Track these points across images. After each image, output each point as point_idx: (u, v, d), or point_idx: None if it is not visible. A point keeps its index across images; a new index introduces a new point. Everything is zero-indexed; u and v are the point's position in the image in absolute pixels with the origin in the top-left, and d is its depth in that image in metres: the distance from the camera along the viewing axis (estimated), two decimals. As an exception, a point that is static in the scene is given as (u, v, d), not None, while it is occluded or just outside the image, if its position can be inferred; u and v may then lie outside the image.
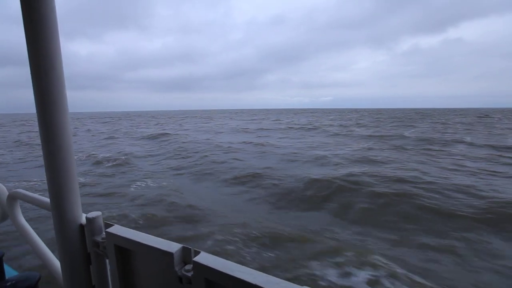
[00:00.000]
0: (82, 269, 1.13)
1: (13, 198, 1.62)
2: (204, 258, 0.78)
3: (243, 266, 0.72)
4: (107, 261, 1.11)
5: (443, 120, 48.67)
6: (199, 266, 0.77)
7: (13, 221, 1.63)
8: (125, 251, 1.01)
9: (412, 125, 36.42)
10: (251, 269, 0.70)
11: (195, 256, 0.80)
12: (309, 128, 33.40)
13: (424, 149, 16.38)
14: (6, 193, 1.67)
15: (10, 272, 1.87)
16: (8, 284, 1.46)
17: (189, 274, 0.80)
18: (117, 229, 1.01)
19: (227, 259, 0.78)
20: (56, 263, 1.45)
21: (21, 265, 4.78)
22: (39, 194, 1.42)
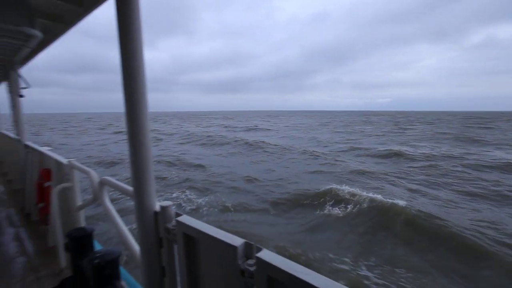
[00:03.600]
0: (154, 250, 1.28)
1: (102, 184, 1.93)
2: (267, 255, 0.80)
3: (307, 268, 0.72)
4: (175, 246, 1.23)
5: None
6: (262, 262, 0.79)
7: (102, 203, 1.94)
8: (192, 239, 1.10)
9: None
10: (316, 273, 0.69)
11: (257, 252, 0.83)
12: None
13: None
14: (98, 179, 2.00)
15: (96, 246, 2.22)
16: (96, 255, 1.75)
17: (252, 269, 0.84)
18: (186, 219, 1.12)
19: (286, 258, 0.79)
20: (133, 242, 1.67)
21: (104, 241, 5.66)
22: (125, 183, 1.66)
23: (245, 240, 0.90)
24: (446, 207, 8.28)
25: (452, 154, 17.25)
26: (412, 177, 12.07)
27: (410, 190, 10.00)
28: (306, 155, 17.45)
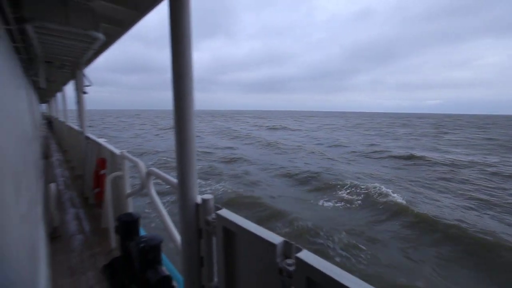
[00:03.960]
0: (194, 241, 1.34)
1: (149, 174, 2.08)
2: (307, 256, 0.78)
3: (351, 275, 0.68)
4: (214, 238, 1.27)
5: None
6: (301, 263, 0.77)
7: (148, 192, 2.09)
8: (230, 233, 1.13)
9: None
10: (361, 280, 0.65)
11: (297, 252, 0.81)
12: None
13: None
14: (145, 170, 2.16)
15: (141, 232, 2.41)
16: (142, 240, 1.89)
17: (290, 269, 0.82)
18: (225, 213, 1.14)
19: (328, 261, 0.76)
20: (174, 231, 1.77)
21: (147, 228, 6.14)
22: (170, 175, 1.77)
23: (285, 239, 0.89)
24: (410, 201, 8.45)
25: (476, 161, 15.86)
26: (403, 181, 11.44)
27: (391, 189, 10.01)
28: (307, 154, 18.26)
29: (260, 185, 10.60)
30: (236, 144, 23.02)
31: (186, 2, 1.14)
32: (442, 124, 60.98)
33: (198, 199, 1.31)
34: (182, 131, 1.22)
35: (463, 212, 7.90)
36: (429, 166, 14.72)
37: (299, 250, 0.82)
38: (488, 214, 7.81)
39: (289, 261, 0.85)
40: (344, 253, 5.59)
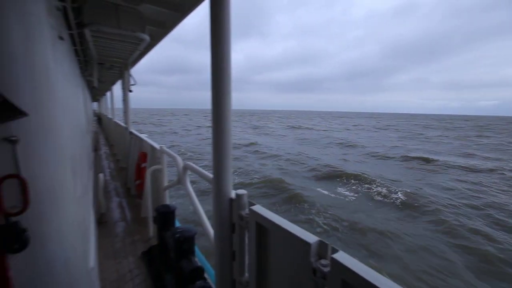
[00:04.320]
0: (227, 235, 1.36)
1: (186, 168, 2.18)
2: (344, 258, 0.75)
3: (390, 280, 0.64)
4: (246, 233, 1.29)
5: None
6: (338, 265, 0.74)
7: (184, 186, 2.19)
8: (263, 229, 1.12)
9: None
10: (400, 286, 0.61)
11: (332, 253, 0.78)
12: None
13: None
14: (182, 164, 2.26)
15: (176, 223, 2.54)
16: (178, 230, 1.99)
17: (325, 270, 0.79)
18: (259, 209, 1.15)
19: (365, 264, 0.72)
20: (208, 224, 1.83)
21: (182, 220, 6.47)
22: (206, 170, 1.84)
23: (320, 239, 0.86)
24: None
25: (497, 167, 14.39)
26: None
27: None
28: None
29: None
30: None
31: (227, 3, 1.17)
32: (489, 127, 55.01)
33: (232, 194, 1.34)
34: (220, 128, 1.26)
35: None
36: (421, 166, 14.76)
37: (335, 251, 0.79)
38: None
39: (323, 261, 0.82)
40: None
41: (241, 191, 1.30)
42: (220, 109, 1.24)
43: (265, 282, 1.17)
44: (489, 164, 15.24)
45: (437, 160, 15.82)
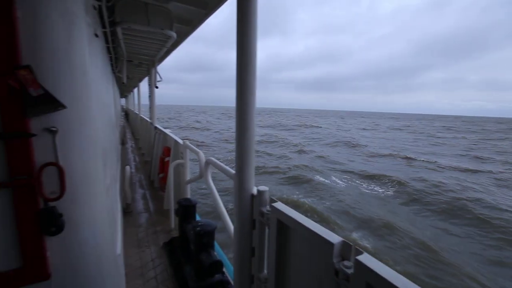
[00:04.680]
0: (247, 230, 1.37)
1: (208, 163, 2.22)
2: (369, 260, 0.72)
3: (417, 286, 0.61)
4: (267, 230, 1.28)
5: None
6: (362, 267, 0.72)
7: (206, 181, 2.24)
8: (285, 227, 1.11)
9: None
10: None
11: (357, 254, 0.76)
12: None
13: None
14: (204, 159, 2.31)
15: (197, 217, 2.60)
16: (198, 224, 2.03)
17: (349, 272, 0.77)
18: (281, 206, 1.14)
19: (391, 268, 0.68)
20: (228, 220, 1.85)
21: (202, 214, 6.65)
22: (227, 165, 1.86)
23: (343, 239, 0.84)
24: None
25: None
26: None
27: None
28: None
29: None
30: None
31: (254, 3, 1.17)
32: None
33: (254, 190, 1.34)
34: (243, 125, 1.26)
35: None
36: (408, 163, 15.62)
37: (359, 252, 0.76)
38: None
39: (347, 263, 0.80)
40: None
41: (263, 188, 1.29)
42: (244, 106, 1.24)
43: (284, 280, 1.16)
44: (486, 166, 15.26)
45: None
